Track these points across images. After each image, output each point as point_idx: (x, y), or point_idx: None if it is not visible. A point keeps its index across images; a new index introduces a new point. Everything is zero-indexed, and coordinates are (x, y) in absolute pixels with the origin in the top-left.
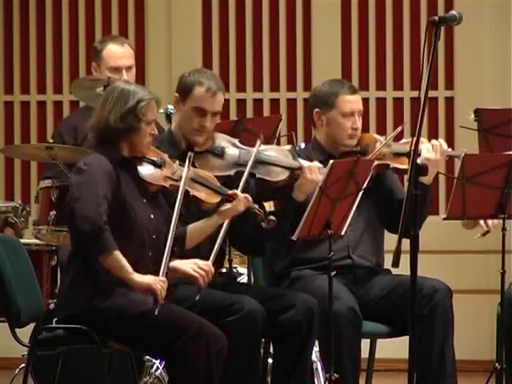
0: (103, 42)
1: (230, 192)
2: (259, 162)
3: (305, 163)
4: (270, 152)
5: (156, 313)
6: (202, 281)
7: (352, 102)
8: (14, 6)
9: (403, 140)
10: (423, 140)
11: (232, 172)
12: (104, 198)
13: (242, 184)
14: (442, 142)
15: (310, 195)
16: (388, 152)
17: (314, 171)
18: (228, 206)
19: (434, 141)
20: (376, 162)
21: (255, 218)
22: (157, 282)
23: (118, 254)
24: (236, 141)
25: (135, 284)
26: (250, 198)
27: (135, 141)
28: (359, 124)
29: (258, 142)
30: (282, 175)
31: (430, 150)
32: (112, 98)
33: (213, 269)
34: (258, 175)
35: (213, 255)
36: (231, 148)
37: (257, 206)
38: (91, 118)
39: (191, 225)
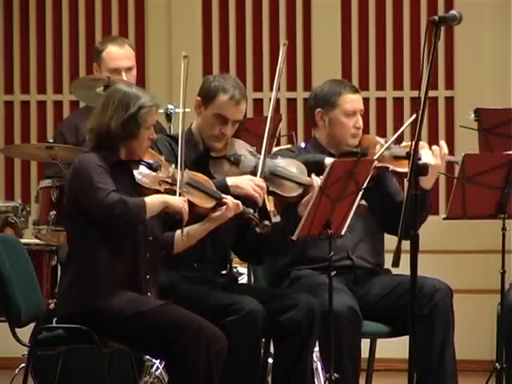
0: (103, 43)
1: (221, 196)
2: (274, 175)
3: (315, 181)
4: (286, 165)
5: (182, 236)
6: (260, 198)
7: (355, 101)
8: (14, 5)
9: (403, 143)
10: (423, 144)
11: None
12: (103, 182)
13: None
14: (442, 146)
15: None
16: (388, 154)
17: None
18: (219, 212)
19: (434, 146)
20: (376, 163)
21: (249, 223)
22: (182, 203)
23: (146, 201)
24: (253, 149)
25: (170, 206)
26: (241, 205)
27: (134, 146)
28: (361, 123)
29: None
30: (295, 191)
31: (430, 156)
32: (113, 102)
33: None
34: (271, 188)
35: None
36: (248, 157)
37: (251, 211)
38: (90, 119)
39: (179, 231)
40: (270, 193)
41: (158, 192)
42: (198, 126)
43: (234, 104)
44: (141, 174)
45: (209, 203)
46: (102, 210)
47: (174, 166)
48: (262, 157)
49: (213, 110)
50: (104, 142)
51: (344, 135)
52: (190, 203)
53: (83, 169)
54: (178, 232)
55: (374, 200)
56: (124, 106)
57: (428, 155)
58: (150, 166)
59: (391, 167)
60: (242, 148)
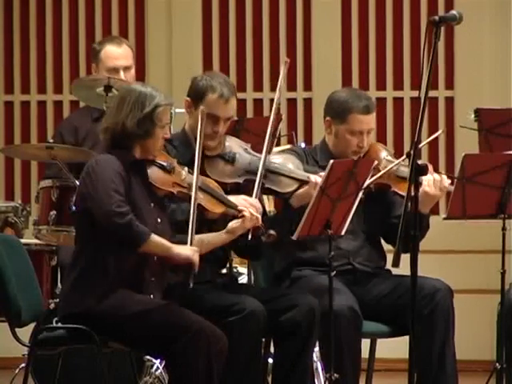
0: (101, 43)
1: (239, 208)
2: (270, 172)
3: (312, 177)
4: (281, 161)
5: (191, 285)
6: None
7: (363, 122)
8: (14, 5)
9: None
10: (430, 170)
11: (241, 179)
12: (118, 192)
13: (254, 196)
14: (443, 178)
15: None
16: (393, 171)
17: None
18: (237, 224)
19: (436, 175)
20: (379, 174)
21: (256, 231)
22: (194, 253)
23: (153, 237)
24: (248, 146)
25: (175, 256)
26: (260, 219)
27: (149, 144)
28: (366, 143)
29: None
30: (291, 187)
31: (431, 185)
32: (129, 101)
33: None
34: (266, 185)
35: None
36: (242, 154)
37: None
38: (105, 118)
39: (198, 236)
40: (266, 189)
41: (170, 194)
42: (191, 127)
43: (223, 102)
44: (154, 173)
45: (219, 208)
46: (107, 214)
47: (187, 169)
48: (262, 157)
49: None
50: (119, 141)
51: (346, 150)
52: (201, 207)
53: (100, 170)
54: (196, 238)
55: (375, 211)
56: (140, 105)
57: (429, 184)
58: (163, 167)
59: (393, 187)
60: (236, 146)
